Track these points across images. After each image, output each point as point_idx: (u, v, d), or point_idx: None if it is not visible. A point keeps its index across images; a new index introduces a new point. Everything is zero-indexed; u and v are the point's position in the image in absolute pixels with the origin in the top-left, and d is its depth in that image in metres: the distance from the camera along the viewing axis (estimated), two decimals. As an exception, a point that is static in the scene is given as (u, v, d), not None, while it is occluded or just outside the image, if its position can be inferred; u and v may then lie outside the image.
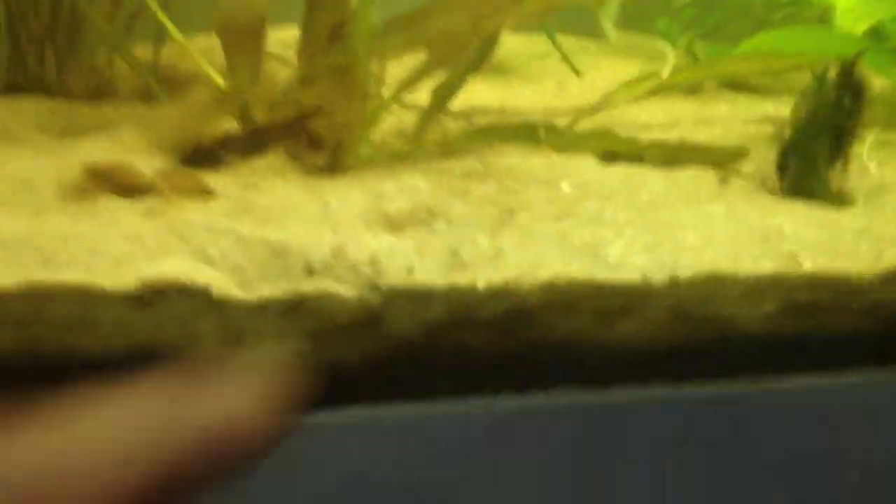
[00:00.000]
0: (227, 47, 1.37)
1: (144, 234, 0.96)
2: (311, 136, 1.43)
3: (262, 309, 0.93)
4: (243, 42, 1.33)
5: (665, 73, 1.58)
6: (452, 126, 1.67)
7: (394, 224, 1.06)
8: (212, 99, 1.33)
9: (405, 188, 1.14)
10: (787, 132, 1.27)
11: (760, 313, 1.03)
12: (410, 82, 1.52)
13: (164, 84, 1.95)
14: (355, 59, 1.35)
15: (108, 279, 0.89)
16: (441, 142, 1.51)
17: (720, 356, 1.05)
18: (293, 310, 0.93)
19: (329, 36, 1.50)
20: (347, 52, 1.35)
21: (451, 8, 1.30)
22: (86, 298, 0.89)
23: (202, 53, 2.06)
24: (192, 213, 1.02)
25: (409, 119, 1.67)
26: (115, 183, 1.06)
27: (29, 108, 1.46)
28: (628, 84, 1.63)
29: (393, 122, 1.66)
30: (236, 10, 1.33)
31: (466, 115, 1.69)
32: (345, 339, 0.96)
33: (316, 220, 1.04)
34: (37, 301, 0.89)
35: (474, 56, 1.53)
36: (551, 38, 1.99)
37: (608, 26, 1.84)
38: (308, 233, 1.00)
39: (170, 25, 1.59)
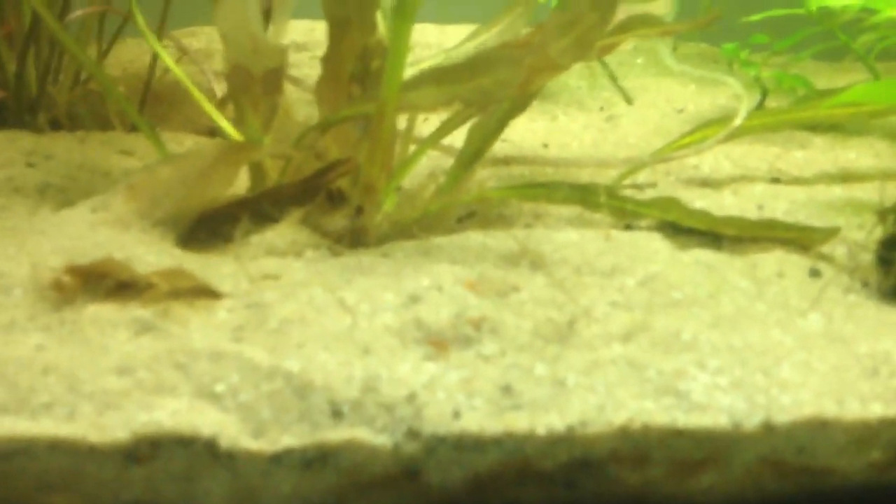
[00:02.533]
0: (238, 96, 1.26)
1: (138, 365, 0.86)
2: (331, 193, 1.33)
3: (279, 463, 0.83)
4: (257, 93, 1.23)
5: (738, 112, 1.47)
6: (489, 176, 1.57)
7: (434, 342, 0.96)
8: (218, 154, 1.22)
9: (442, 286, 1.04)
10: (892, 217, 1.16)
11: (866, 462, 0.93)
12: (441, 134, 1.41)
13: (153, 107, 1.87)
14: (386, 108, 1.25)
15: (95, 429, 0.79)
16: (478, 198, 1.41)
17: (817, 511, 0.95)
18: (316, 463, 0.84)
19: (353, 75, 1.41)
20: (376, 100, 1.25)
21: (496, 63, 1.19)
22: (68, 453, 0.79)
23: (202, 54, 1.97)
24: (195, 329, 0.92)
25: (440, 160, 1.57)
26: (103, 284, 0.96)
27: (4, 151, 1.37)
28: (698, 131, 1.52)
29: (425, 164, 1.56)
30: (249, 58, 1.22)
31: (504, 160, 1.59)
32: (376, 497, 0.86)
33: (342, 337, 0.94)
34: (8, 455, 0.79)
35: (515, 101, 1.43)
36: (600, 60, 1.89)
37: (668, 58, 1.73)
38: (334, 359, 0.90)
39: (162, 54, 1.49)
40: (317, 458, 0.83)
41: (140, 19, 1.47)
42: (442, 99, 1.28)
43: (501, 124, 1.46)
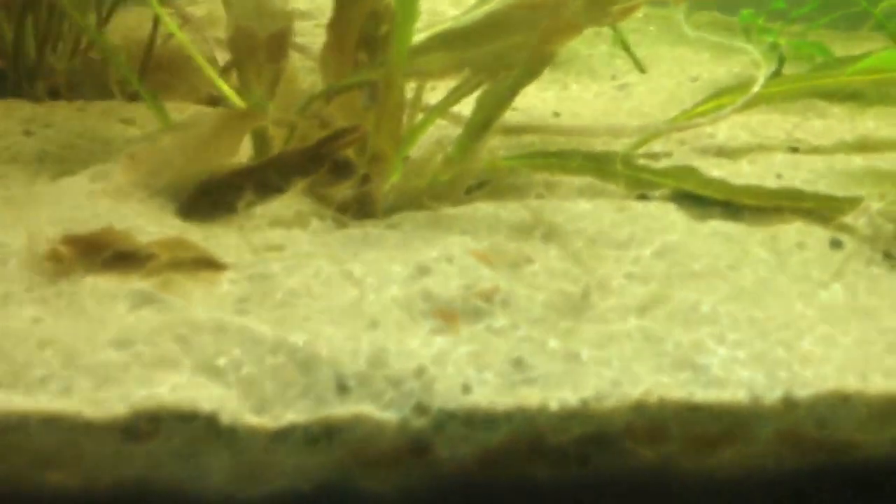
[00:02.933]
0: (241, 63, 1.23)
1: (137, 338, 0.83)
2: (337, 162, 1.30)
3: (283, 439, 0.81)
4: (261, 58, 1.20)
5: (756, 80, 1.43)
6: (499, 145, 1.53)
7: (443, 314, 0.93)
8: (220, 122, 1.20)
9: (452, 257, 1.01)
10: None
11: (889, 437, 0.91)
12: (451, 102, 1.38)
13: (155, 75, 1.84)
14: (393, 75, 1.21)
15: (92, 404, 0.77)
16: (488, 168, 1.38)
17: (837, 489, 0.92)
18: (321, 440, 0.81)
19: (359, 41, 1.38)
20: (384, 67, 1.22)
21: (509, 26, 1.16)
22: (64, 429, 0.77)
23: (204, 21, 1.94)
24: (197, 302, 0.89)
25: (450, 130, 1.54)
26: (102, 254, 0.94)
27: (1, 120, 1.34)
28: (714, 99, 1.49)
29: (433, 133, 1.53)
30: (253, 20, 1.19)
31: (516, 129, 1.56)
32: (384, 473, 0.84)
33: (348, 309, 0.92)
34: (2, 430, 0.77)
35: (528, 66, 1.40)
36: (612, 27, 1.85)
37: (684, 24, 1.69)
38: (340, 332, 0.88)
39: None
40: (322, 434, 0.81)
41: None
42: (452, 64, 1.25)
43: (512, 92, 1.41)
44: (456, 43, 1.20)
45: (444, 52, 1.20)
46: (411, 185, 1.34)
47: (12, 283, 0.91)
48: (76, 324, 0.86)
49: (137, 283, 0.92)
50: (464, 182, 1.40)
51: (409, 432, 0.82)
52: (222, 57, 1.78)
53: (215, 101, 1.75)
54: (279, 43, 1.18)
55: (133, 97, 1.72)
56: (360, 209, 1.32)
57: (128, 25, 2.03)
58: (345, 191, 1.31)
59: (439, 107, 1.39)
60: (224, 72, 1.62)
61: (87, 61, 1.84)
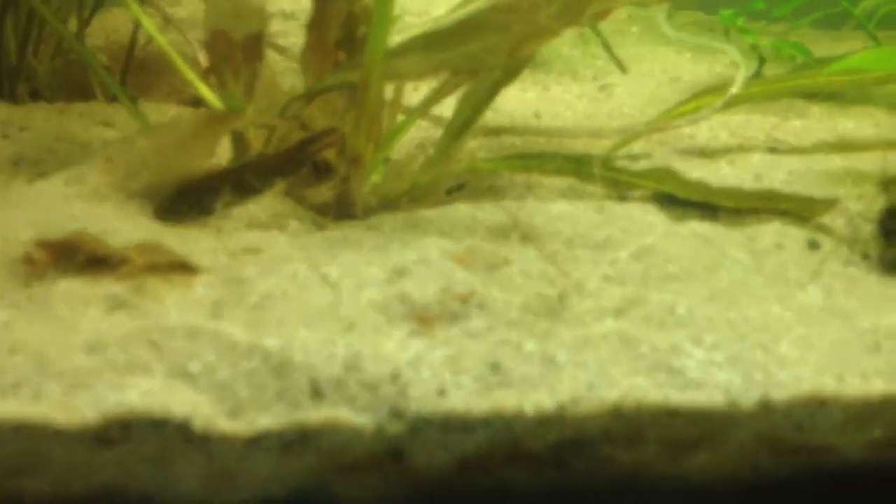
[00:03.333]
0: (218, 64, 1.22)
1: (109, 342, 0.82)
2: (316, 164, 1.29)
3: (256, 445, 0.80)
4: (238, 58, 1.19)
5: (735, 80, 1.43)
6: (479, 147, 1.53)
7: (419, 318, 0.92)
8: (197, 123, 1.19)
9: (429, 259, 1.01)
10: (895, 187, 1.12)
11: (866, 440, 0.90)
12: (430, 103, 1.37)
13: (137, 76, 1.82)
14: (370, 77, 1.21)
15: (62, 411, 0.76)
16: (468, 169, 1.37)
17: (814, 492, 0.92)
18: (295, 445, 0.80)
19: (339, 42, 1.37)
20: (362, 68, 1.21)
21: (484, 29, 1.15)
22: (35, 435, 0.76)
23: (186, 23, 1.93)
24: (171, 306, 0.88)
25: (430, 130, 1.53)
26: (76, 258, 0.93)
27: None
28: (694, 100, 1.48)
29: (415, 135, 1.52)
30: (229, 20, 1.18)
31: (495, 130, 1.55)
32: (359, 479, 0.83)
33: (324, 313, 0.91)
34: (-27, 438, 0.76)
35: (506, 69, 1.39)
36: (593, 28, 1.85)
37: (664, 25, 1.69)
38: (315, 336, 0.87)
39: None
40: (296, 440, 0.80)
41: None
42: (429, 66, 1.24)
43: (492, 93, 1.41)
44: (433, 45, 1.19)
45: (420, 54, 1.20)
46: (391, 187, 1.34)
47: (-16, 287, 0.90)
48: (48, 328, 0.85)
49: (111, 287, 0.91)
50: (444, 183, 1.40)
51: (385, 437, 0.81)
52: (205, 58, 1.78)
53: (198, 102, 1.74)
54: (255, 44, 1.17)
55: (115, 99, 1.71)
56: (340, 211, 1.31)
57: (111, 26, 2.02)
58: (324, 192, 1.31)
59: (418, 108, 1.39)
60: (206, 73, 1.62)
61: (68, 63, 1.83)
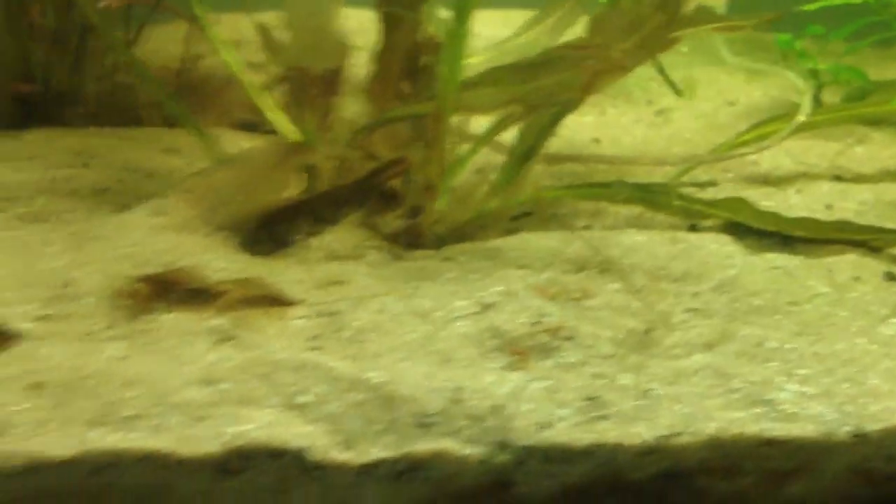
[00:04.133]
0: (296, 96, 1.29)
1: (220, 377, 0.89)
2: (384, 193, 1.36)
3: (369, 474, 0.86)
4: (315, 92, 1.26)
5: (798, 107, 1.49)
6: (540, 173, 1.59)
7: (513, 351, 0.99)
8: (271, 155, 1.25)
9: (514, 292, 1.07)
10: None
11: (957, 470, 0.96)
12: (495, 132, 1.44)
13: (190, 93, 1.88)
14: (441, 110, 1.27)
15: (184, 443, 0.82)
16: (534, 198, 1.43)
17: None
18: (406, 475, 0.87)
19: (402, 71, 1.44)
20: (430, 99, 1.28)
21: (558, 64, 1.22)
22: (158, 466, 0.82)
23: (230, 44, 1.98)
24: (273, 338, 0.95)
25: (490, 157, 1.59)
26: (175, 291, 0.99)
27: (47, 151, 1.39)
28: (758, 127, 1.55)
29: (474, 161, 1.58)
30: (311, 55, 1.24)
31: (560, 158, 1.61)
32: (465, 509, 0.90)
33: (419, 346, 0.98)
34: (99, 469, 0.82)
35: (572, 100, 1.46)
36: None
37: (723, 50, 1.76)
38: (415, 368, 0.94)
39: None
40: (407, 470, 0.87)
41: (198, 7, 1.47)
42: (500, 100, 1.31)
43: (555, 121, 1.48)
44: (504, 79, 1.26)
45: (493, 87, 1.27)
46: (458, 215, 1.41)
47: (93, 321, 0.96)
48: (160, 361, 0.91)
49: (213, 320, 0.98)
50: (509, 212, 1.47)
51: (491, 468, 0.88)
52: (255, 80, 1.83)
53: (248, 126, 1.80)
54: (334, 79, 1.24)
55: (166, 122, 1.77)
56: (409, 240, 1.38)
57: (150, 47, 2.08)
58: (393, 222, 1.37)
59: (485, 137, 1.45)
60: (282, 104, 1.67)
61: (115, 86, 1.89)
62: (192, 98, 1.91)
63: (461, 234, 1.39)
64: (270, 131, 1.49)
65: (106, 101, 1.88)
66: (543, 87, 1.26)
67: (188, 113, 1.52)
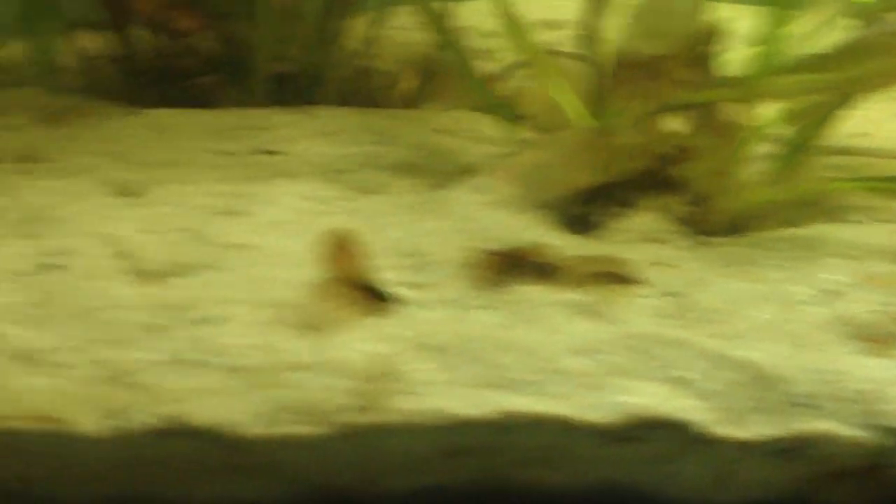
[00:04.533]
0: (621, 84, 1.33)
1: (595, 348, 0.93)
2: (670, 182, 1.39)
3: (751, 451, 0.90)
4: (641, 82, 1.30)
5: None
6: (816, 165, 1.61)
7: (866, 337, 1.01)
8: (583, 138, 1.30)
9: (845, 279, 1.09)
10: None
11: None
12: (805, 122, 1.45)
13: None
14: (748, 96, 1.30)
15: (580, 410, 0.87)
16: (820, 189, 1.45)
17: None
18: (788, 453, 0.90)
19: (682, 59, 1.47)
20: (742, 86, 1.31)
21: (873, 52, 1.24)
22: (559, 430, 0.87)
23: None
24: (631, 314, 0.99)
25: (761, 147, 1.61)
26: (523, 266, 1.04)
27: (343, 127, 1.46)
28: None
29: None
30: (647, 39, 1.29)
31: (827, 150, 1.62)
32: (838, 488, 0.92)
33: (771, 328, 1.00)
34: (506, 429, 0.87)
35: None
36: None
37: None
38: (775, 350, 0.97)
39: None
40: (790, 448, 0.90)
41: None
42: (808, 87, 1.33)
43: (838, 111, 1.50)
44: (818, 66, 1.28)
45: (803, 75, 1.29)
46: (743, 203, 1.43)
47: (456, 289, 1.02)
48: (532, 330, 0.96)
49: (569, 293, 1.02)
50: (792, 202, 1.49)
51: (870, 450, 0.90)
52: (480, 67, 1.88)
53: (480, 109, 1.85)
54: (660, 65, 1.28)
55: (405, 104, 1.83)
56: (700, 226, 1.41)
57: (358, 32, 2.15)
58: (681, 208, 1.41)
59: (773, 125, 1.48)
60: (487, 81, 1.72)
61: (358, 69, 1.97)
62: (430, 83, 1.99)
63: (745, 222, 1.41)
64: (515, 116, 1.55)
65: (349, 83, 1.97)
66: (856, 75, 1.28)
67: (496, 100, 1.57)
